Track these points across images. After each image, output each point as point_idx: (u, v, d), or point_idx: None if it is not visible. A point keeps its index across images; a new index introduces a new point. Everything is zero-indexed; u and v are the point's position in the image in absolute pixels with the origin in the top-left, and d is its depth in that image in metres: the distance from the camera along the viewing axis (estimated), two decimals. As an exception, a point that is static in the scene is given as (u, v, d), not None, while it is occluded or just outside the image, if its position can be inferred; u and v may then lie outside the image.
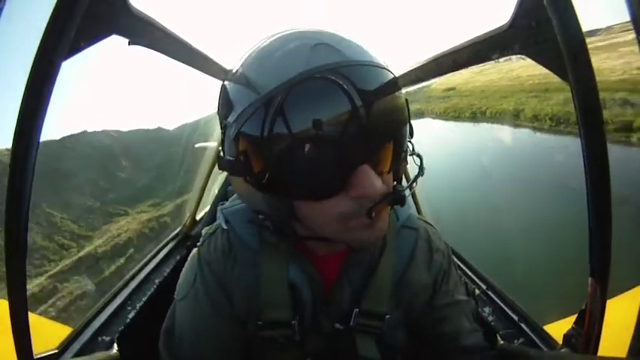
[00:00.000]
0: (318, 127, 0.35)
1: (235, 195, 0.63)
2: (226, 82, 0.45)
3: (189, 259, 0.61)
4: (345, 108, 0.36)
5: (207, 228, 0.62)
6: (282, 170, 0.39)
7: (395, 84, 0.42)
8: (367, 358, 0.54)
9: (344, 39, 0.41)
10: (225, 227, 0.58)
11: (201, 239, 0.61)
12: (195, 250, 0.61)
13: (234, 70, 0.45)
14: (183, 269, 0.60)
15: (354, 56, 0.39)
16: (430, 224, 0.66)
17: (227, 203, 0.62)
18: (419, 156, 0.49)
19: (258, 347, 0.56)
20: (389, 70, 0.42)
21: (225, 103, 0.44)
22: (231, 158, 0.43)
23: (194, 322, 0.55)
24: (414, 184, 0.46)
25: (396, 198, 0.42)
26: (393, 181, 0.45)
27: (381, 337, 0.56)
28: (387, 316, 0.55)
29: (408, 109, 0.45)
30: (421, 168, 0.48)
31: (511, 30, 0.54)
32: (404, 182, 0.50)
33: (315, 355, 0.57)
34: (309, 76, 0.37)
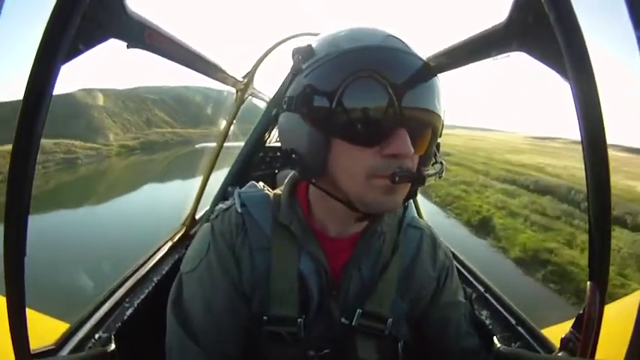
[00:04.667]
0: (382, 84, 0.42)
1: (249, 185, 0.66)
2: (311, 43, 0.52)
3: (200, 232, 0.61)
4: (412, 75, 0.44)
5: (221, 205, 0.63)
6: (338, 109, 0.44)
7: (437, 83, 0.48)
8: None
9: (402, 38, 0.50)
10: (240, 210, 0.59)
11: (214, 213, 0.62)
12: (207, 224, 0.61)
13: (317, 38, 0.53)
14: (193, 243, 0.61)
15: (413, 49, 0.48)
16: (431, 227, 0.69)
17: (243, 189, 0.64)
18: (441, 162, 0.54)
19: (263, 340, 0.56)
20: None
21: (306, 53, 0.50)
22: (293, 95, 0.48)
23: (205, 291, 0.55)
24: (437, 176, 0.52)
25: (418, 176, 0.47)
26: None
27: (383, 338, 0.57)
28: (390, 320, 0.56)
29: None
30: (441, 169, 0.53)
31: (508, 27, 0.53)
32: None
33: (318, 350, 0.57)
34: (387, 46, 0.46)
